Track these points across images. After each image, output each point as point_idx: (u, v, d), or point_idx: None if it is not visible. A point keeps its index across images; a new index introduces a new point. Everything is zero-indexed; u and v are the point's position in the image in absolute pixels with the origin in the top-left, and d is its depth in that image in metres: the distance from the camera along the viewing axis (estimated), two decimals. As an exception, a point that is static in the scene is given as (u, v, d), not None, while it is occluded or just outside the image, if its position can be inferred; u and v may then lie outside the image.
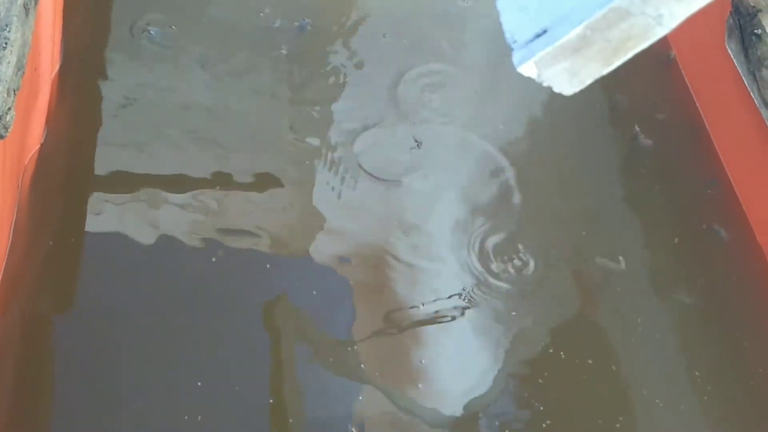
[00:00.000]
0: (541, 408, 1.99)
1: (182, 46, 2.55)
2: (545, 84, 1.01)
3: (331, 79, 2.56)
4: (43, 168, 2.21)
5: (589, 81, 1.00)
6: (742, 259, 2.28)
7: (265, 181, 2.31)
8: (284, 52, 2.60)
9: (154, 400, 1.90)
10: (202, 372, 1.95)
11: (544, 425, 1.96)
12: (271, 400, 1.94)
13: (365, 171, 2.36)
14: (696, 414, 2.04)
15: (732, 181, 2.37)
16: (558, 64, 0.98)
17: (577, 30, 0.95)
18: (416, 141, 2.43)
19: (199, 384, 1.92)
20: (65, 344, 1.97)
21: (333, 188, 2.31)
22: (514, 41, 1.02)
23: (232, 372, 1.97)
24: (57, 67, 2.39)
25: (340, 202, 2.29)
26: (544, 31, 0.98)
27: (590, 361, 2.07)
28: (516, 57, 1.01)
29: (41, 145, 2.24)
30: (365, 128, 2.45)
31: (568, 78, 0.99)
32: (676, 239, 2.30)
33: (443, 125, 2.49)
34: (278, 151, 2.38)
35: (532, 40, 1.00)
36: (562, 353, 2.08)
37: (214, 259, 2.13)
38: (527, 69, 1.00)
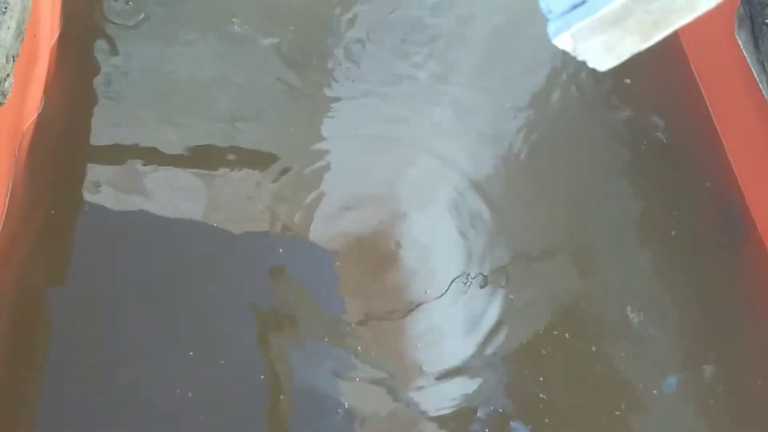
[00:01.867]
0: (541, 379, 1.99)
1: (185, 16, 2.50)
2: (580, 58, 0.98)
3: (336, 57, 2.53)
4: (40, 137, 2.17)
5: (626, 56, 0.97)
6: (743, 250, 2.27)
7: (265, 156, 2.28)
8: (291, 27, 2.55)
9: (144, 371, 1.90)
10: (195, 345, 1.93)
11: (541, 395, 1.97)
12: (262, 377, 1.92)
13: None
14: (698, 407, 2.03)
15: (736, 173, 2.36)
16: (595, 36, 0.94)
17: (619, 1, 0.92)
18: None
19: (191, 354, 1.92)
20: (58, 313, 1.96)
21: (332, 165, 2.29)
22: (550, 11, 0.98)
23: (223, 346, 1.95)
24: (56, 34, 2.34)
25: (343, 181, 2.27)
26: (583, 2, 0.95)
27: (593, 348, 2.07)
28: (551, 28, 0.97)
29: (39, 113, 2.20)
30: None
31: (605, 52, 0.95)
32: (674, 232, 2.29)
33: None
34: (281, 126, 2.35)
35: (569, 11, 0.96)
36: (566, 334, 2.08)
37: (215, 225, 2.11)
38: (563, 41, 0.97)
